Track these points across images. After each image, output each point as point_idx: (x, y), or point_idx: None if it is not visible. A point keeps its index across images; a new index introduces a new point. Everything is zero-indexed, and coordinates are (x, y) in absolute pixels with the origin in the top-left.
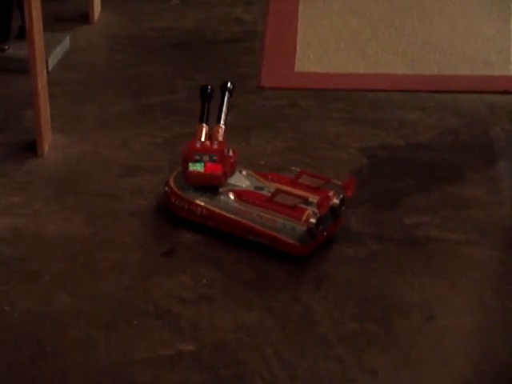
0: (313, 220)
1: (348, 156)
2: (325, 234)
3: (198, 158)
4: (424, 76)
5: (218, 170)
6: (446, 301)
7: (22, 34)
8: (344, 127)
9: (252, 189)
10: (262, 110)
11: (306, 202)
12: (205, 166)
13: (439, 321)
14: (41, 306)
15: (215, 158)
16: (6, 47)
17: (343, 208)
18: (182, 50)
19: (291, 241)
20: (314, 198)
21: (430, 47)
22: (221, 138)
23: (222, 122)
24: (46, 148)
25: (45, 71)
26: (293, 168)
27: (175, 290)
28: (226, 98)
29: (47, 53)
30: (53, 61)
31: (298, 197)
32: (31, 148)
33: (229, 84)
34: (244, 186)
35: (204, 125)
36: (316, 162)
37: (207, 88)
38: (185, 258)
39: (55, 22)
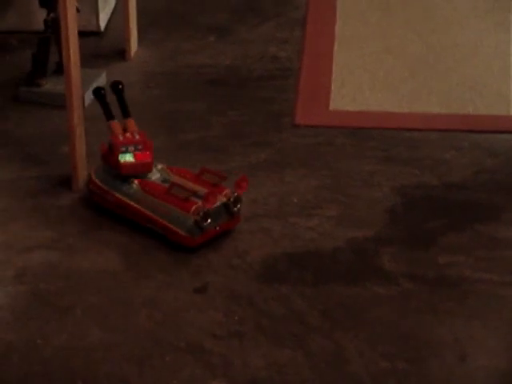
0: (200, 213)
1: (382, 194)
2: (217, 228)
3: (124, 149)
4: (459, 115)
5: (147, 157)
6: (478, 341)
7: (60, 70)
8: (378, 165)
9: (159, 181)
10: (296, 147)
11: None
12: (134, 156)
13: (471, 361)
14: (74, 340)
15: (140, 147)
16: (44, 82)
17: (238, 206)
18: (217, 87)
19: (180, 231)
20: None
21: (465, 87)
22: (136, 129)
23: (129, 114)
24: (81, 183)
25: (81, 107)
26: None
27: (207, 326)
28: (121, 94)
29: (84, 88)
30: (89, 97)
31: (190, 190)
32: (66, 182)
33: (119, 85)
34: (153, 178)
35: (115, 121)
36: (349, 199)
37: (102, 89)
38: (217, 295)
39: (92, 58)
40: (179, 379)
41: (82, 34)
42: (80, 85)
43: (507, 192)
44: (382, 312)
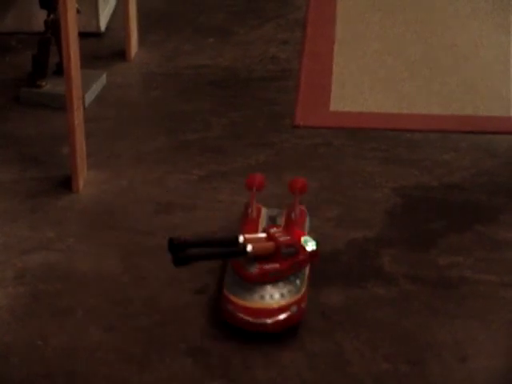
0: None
1: (382, 195)
2: None
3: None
4: (459, 116)
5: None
6: (478, 342)
7: (60, 71)
8: (378, 167)
9: None
10: (296, 148)
11: None
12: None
13: (472, 363)
14: (73, 341)
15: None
16: (44, 83)
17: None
18: (218, 88)
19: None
20: None
21: (465, 88)
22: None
23: None
24: (81, 184)
25: (81, 108)
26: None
27: (207, 327)
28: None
29: (84, 89)
30: (89, 97)
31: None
32: (66, 184)
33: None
34: None
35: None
36: (349, 200)
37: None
38: (217, 296)
39: (92, 59)
40: (179, 380)
41: (82, 35)
42: (80, 86)
43: (507, 193)
44: (382, 313)
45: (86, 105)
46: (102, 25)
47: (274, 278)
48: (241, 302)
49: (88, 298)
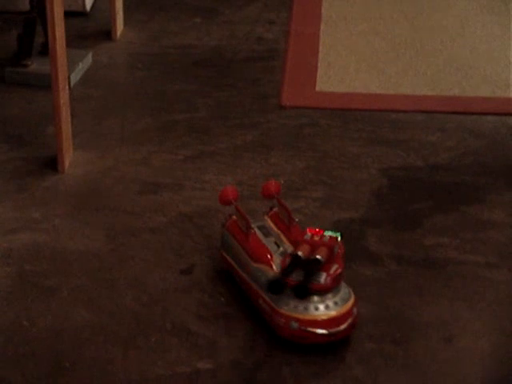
0: None
1: (368, 176)
2: None
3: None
4: (445, 97)
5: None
6: (464, 323)
7: (45, 51)
8: (364, 147)
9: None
10: (282, 129)
11: None
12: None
13: (457, 343)
14: (59, 322)
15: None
16: (29, 63)
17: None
18: (204, 68)
19: None
20: None
21: (451, 68)
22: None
23: None
24: (67, 164)
25: (67, 87)
26: None
27: (193, 308)
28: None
29: (69, 69)
30: (75, 77)
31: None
32: (52, 164)
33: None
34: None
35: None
36: (335, 181)
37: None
38: (203, 276)
39: (78, 38)
40: (164, 361)
41: (67, 15)
42: (66, 65)
43: (492, 174)
44: (367, 293)
45: (72, 85)
46: (88, 4)
47: (341, 280)
48: (309, 317)
49: (74, 277)
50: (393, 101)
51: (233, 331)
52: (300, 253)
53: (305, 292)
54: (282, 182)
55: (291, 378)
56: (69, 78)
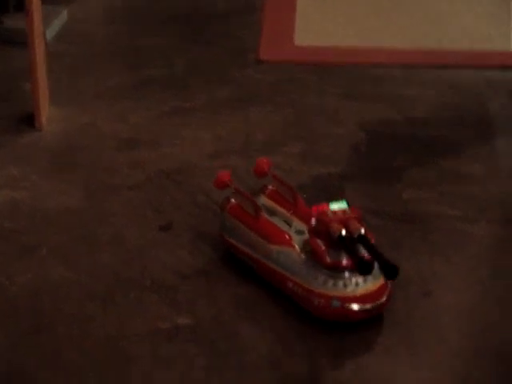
0: None
1: (346, 131)
2: None
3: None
4: (423, 51)
5: None
6: (442, 277)
7: (20, 6)
8: (342, 102)
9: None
10: (260, 83)
11: None
12: None
13: (436, 297)
14: (38, 279)
15: None
16: (4, 19)
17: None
18: (180, 23)
19: None
20: None
21: (429, 22)
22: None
23: None
24: (44, 121)
25: (43, 44)
26: None
27: (173, 265)
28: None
29: (45, 25)
30: (50, 33)
31: None
32: (29, 121)
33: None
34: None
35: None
36: (313, 136)
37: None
38: (182, 233)
39: None
40: (144, 317)
41: None
42: (41, 22)
43: (470, 127)
44: None
45: (48, 41)
46: None
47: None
48: (351, 293)
49: (53, 235)
50: (371, 55)
51: (213, 287)
52: (343, 232)
53: (370, 268)
54: (260, 137)
55: (272, 332)
56: (44, 34)
